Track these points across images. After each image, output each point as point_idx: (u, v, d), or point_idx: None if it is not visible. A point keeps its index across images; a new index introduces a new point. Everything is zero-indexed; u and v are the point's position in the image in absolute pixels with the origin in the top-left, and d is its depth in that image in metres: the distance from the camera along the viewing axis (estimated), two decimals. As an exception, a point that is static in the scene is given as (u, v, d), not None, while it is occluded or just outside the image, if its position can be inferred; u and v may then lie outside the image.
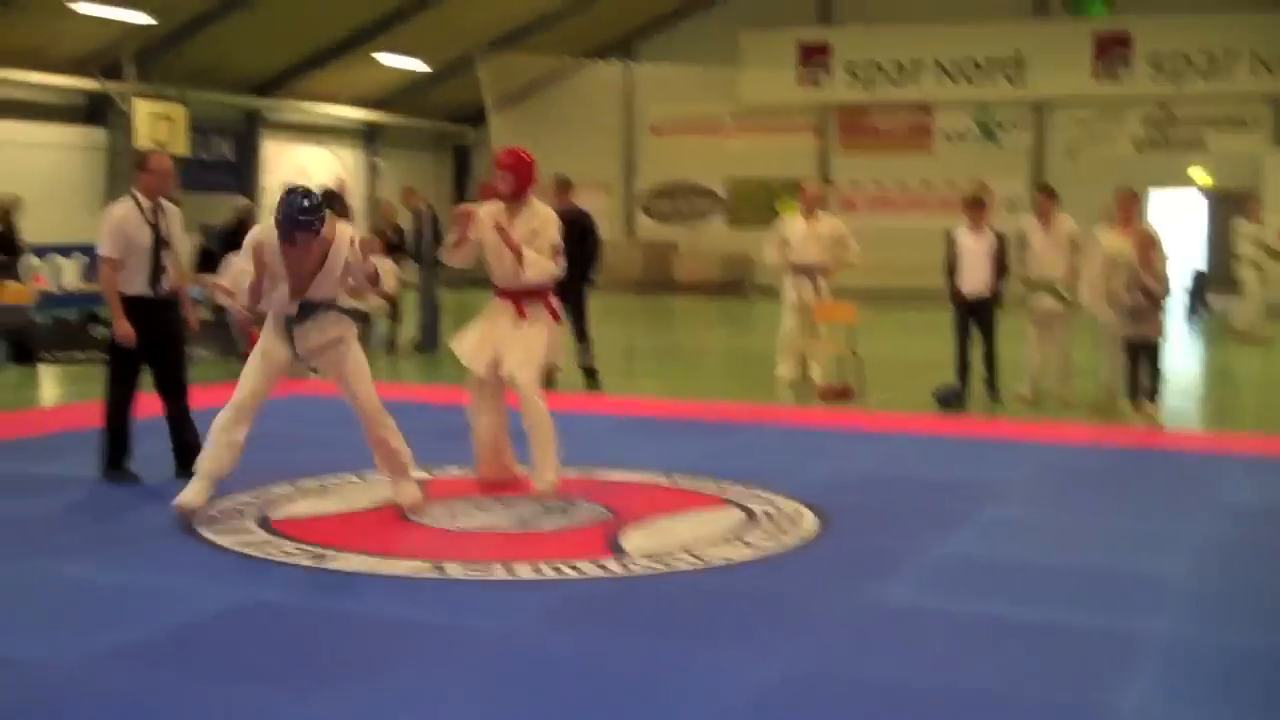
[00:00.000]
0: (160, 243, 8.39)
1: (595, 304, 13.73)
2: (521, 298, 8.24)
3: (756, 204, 29.67)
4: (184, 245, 8.79)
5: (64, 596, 6.05)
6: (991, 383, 12.45)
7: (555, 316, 8.40)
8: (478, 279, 31.64)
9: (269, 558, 6.67)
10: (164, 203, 8.52)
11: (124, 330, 8.30)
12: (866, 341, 13.22)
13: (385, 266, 16.58)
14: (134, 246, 8.30)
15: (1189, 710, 4.81)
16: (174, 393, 8.62)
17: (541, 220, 8.21)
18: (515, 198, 8.20)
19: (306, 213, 7.34)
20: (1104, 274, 11.90)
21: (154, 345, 8.45)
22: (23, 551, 6.75)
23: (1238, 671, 5.25)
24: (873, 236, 28.53)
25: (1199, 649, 5.52)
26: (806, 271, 13.40)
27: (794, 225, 13.56)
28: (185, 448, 8.49)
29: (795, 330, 13.56)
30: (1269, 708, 4.85)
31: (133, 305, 8.34)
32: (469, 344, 8.43)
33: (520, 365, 8.11)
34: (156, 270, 8.39)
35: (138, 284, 8.35)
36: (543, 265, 8.13)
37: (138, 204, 8.38)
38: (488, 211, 8.29)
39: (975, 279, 12.37)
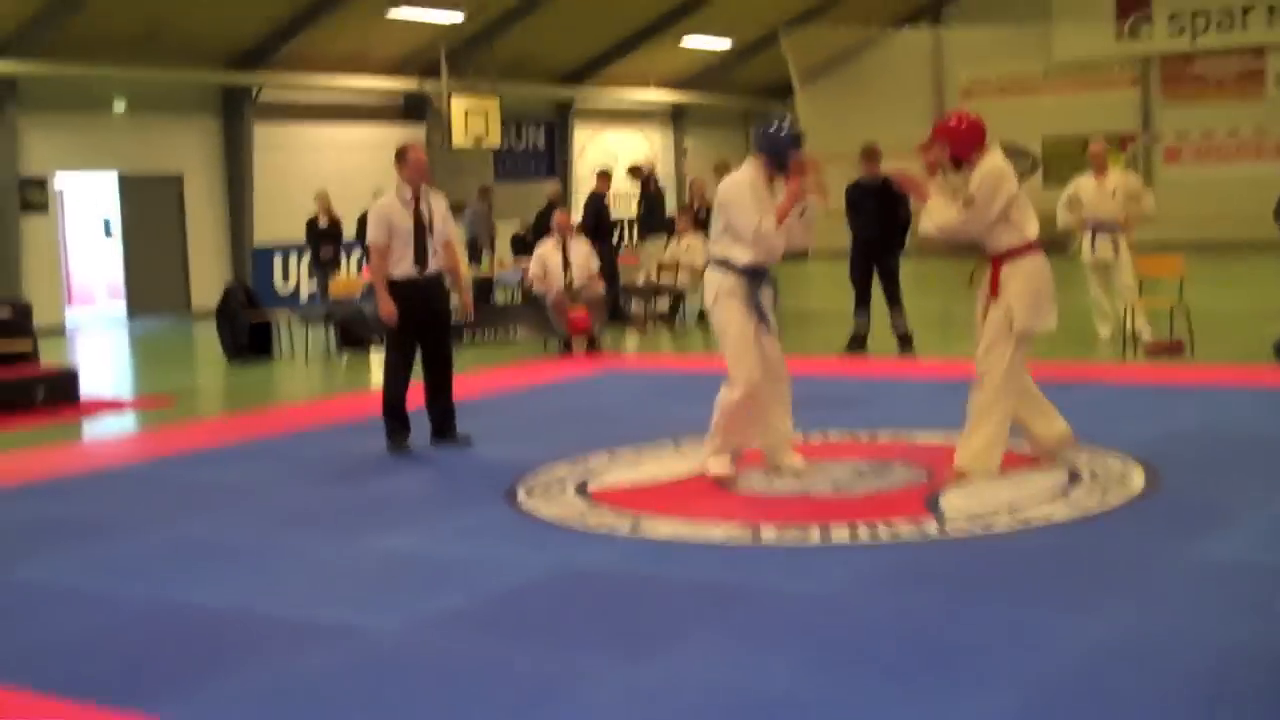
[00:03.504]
0: (422, 228, 8.84)
1: (908, 269, 13.49)
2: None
3: (1074, 162, 28.63)
4: (450, 230, 9.25)
5: (390, 568, 6.26)
6: None
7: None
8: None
9: (588, 526, 6.77)
10: (427, 190, 9.00)
11: (387, 309, 8.81)
12: (1196, 294, 12.60)
13: (695, 241, 16.75)
14: (398, 233, 8.82)
15: None
16: (438, 365, 9.06)
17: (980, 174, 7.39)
18: (957, 166, 7.50)
19: (794, 133, 7.59)
20: None
21: (422, 324, 8.91)
22: (350, 527, 7.03)
23: None
24: (1200, 188, 27.57)
25: None
26: (1103, 228, 12.95)
27: (1085, 183, 13.16)
28: (442, 416, 9.05)
29: (1099, 288, 13.16)
30: None
31: (401, 287, 8.83)
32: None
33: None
34: (421, 253, 8.84)
35: (404, 267, 8.85)
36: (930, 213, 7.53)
37: (400, 194, 8.89)
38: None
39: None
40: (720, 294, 7.59)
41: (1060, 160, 30.07)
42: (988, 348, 7.44)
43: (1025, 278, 7.42)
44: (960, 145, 7.47)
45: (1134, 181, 13.65)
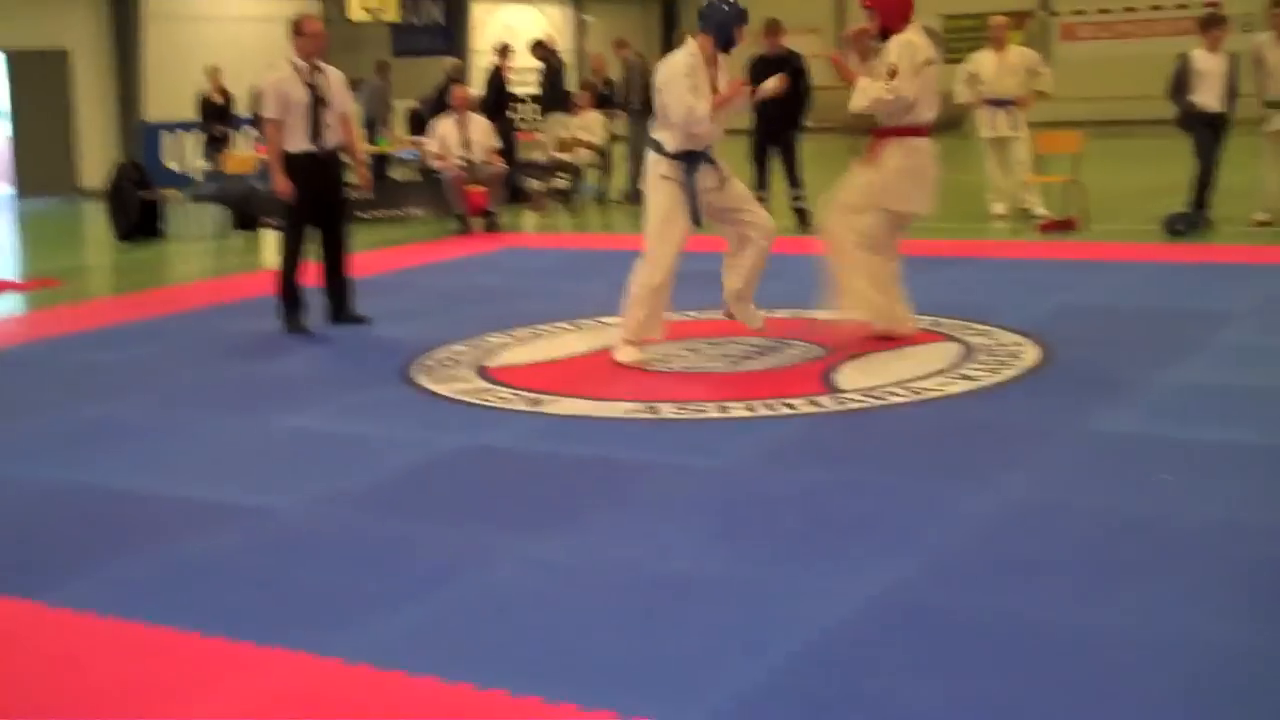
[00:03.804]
0: (318, 101, 8.69)
1: (806, 147, 13.50)
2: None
3: (973, 40, 28.68)
4: (347, 105, 9.12)
5: (291, 447, 6.23)
6: (1202, 203, 11.95)
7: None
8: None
9: (487, 404, 6.77)
10: (322, 65, 8.83)
11: (283, 185, 8.68)
12: (1091, 172, 12.74)
13: (595, 118, 16.60)
14: (292, 106, 8.65)
15: None
16: (334, 243, 8.96)
17: (889, 50, 7.55)
18: (884, 37, 7.59)
19: (740, 8, 7.49)
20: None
21: (318, 201, 8.79)
22: (249, 406, 6.96)
23: None
24: (1097, 65, 27.75)
25: None
26: (1000, 105, 13.03)
27: (984, 59, 13.21)
28: (339, 295, 9.00)
29: (995, 165, 13.28)
30: None
31: (297, 162, 8.69)
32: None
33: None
34: (317, 128, 8.69)
35: (299, 141, 8.69)
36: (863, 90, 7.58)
37: (295, 67, 8.71)
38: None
39: (1213, 98, 11.83)
40: (654, 176, 7.54)
41: (959, 36, 30.14)
42: (846, 210, 7.67)
43: (905, 157, 7.55)
44: (889, 16, 7.56)
45: (1033, 58, 13.69)
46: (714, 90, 7.43)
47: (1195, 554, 4.46)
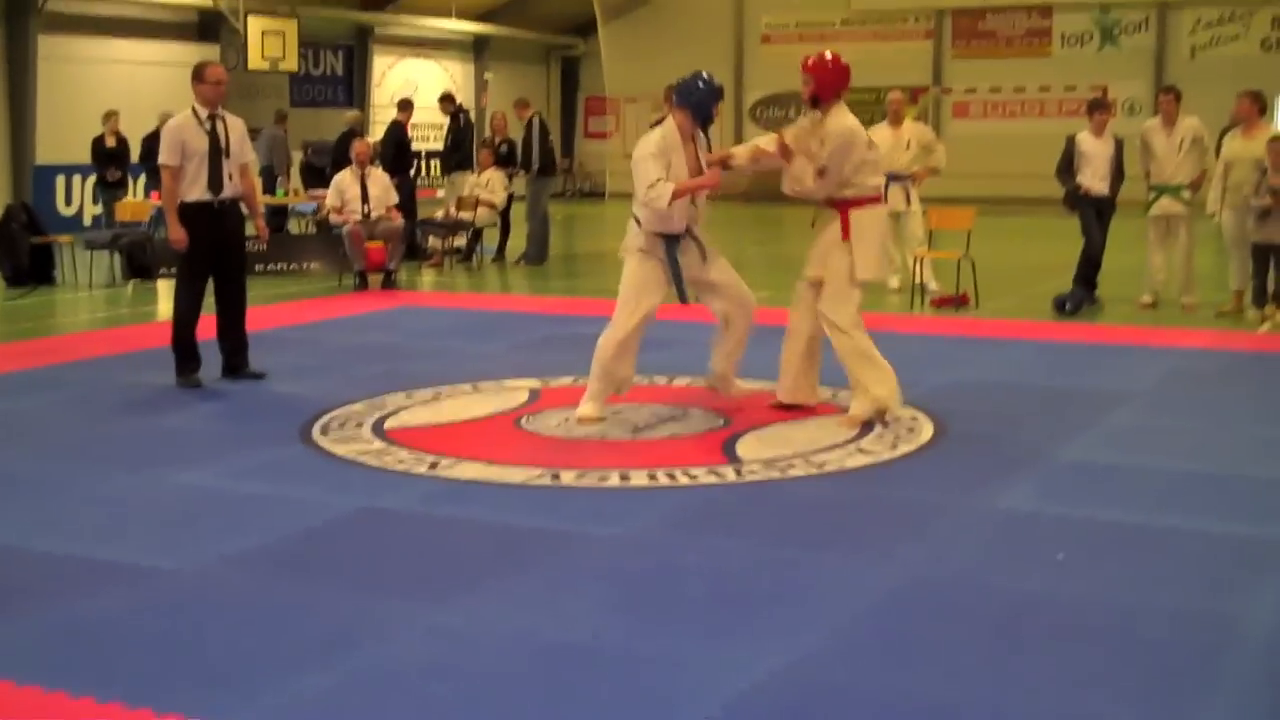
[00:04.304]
0: (218, 150, 8.59)
1: (707, 213, 13.57)
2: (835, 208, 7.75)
3: (868, 112, 29.22)
4: (247, 155, 8.98)
5: (184, 505, 6.11)
6: (1090, 282, 12.26)
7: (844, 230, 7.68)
8: (587, 191, 31.55)
9: (386, 466, 6.71)
10: (224, 113, 8.75)
11: (177, 235, 8.56)
12: (982, 248, 12.98)
13: (495, 177, 16.62)
14: (192, 154, 8.55)
15: (1324, 618, 4.68)
16: (230, 296, 8.84)
17: (830, 131, 7.59)
18: (814, 104, 7.68)
19: (717, 85, 7.70)
20: (1230, 178, 11.64)
21: (215, 251, 8.68)
22: (143, 461, 6.84)
23: (1375, 579, 5.10)
24: (988, 143, 28.35)
25: (1334, 556, 5.37)
26: (895, 179, 13.25)
27: (880, 133, 13.41)
28: (234, 349, 8.85)
29: (891, 240, 13.46)
30: None
31: (194, 211, 8.58)
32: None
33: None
34: (216, 177, 8.59)
35: (197, 190, 8.58)
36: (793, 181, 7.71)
37: (195, 114, 8.61)
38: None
39: (1097, 180, 12.15)
40: (632, 247, 7.67)
41: (855, 110, 30.60)
42: (834, 298, 7.62)
43: (870, 228, 7.66)
44: (824, 85, 7.63)
45: (927, 133, 13.98)
46: (696, 163, 7.56)
47: (1089, 634, 4.52)
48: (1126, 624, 4.63)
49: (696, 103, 7.61)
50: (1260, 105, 11.97)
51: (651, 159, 7.42)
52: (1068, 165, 12.36)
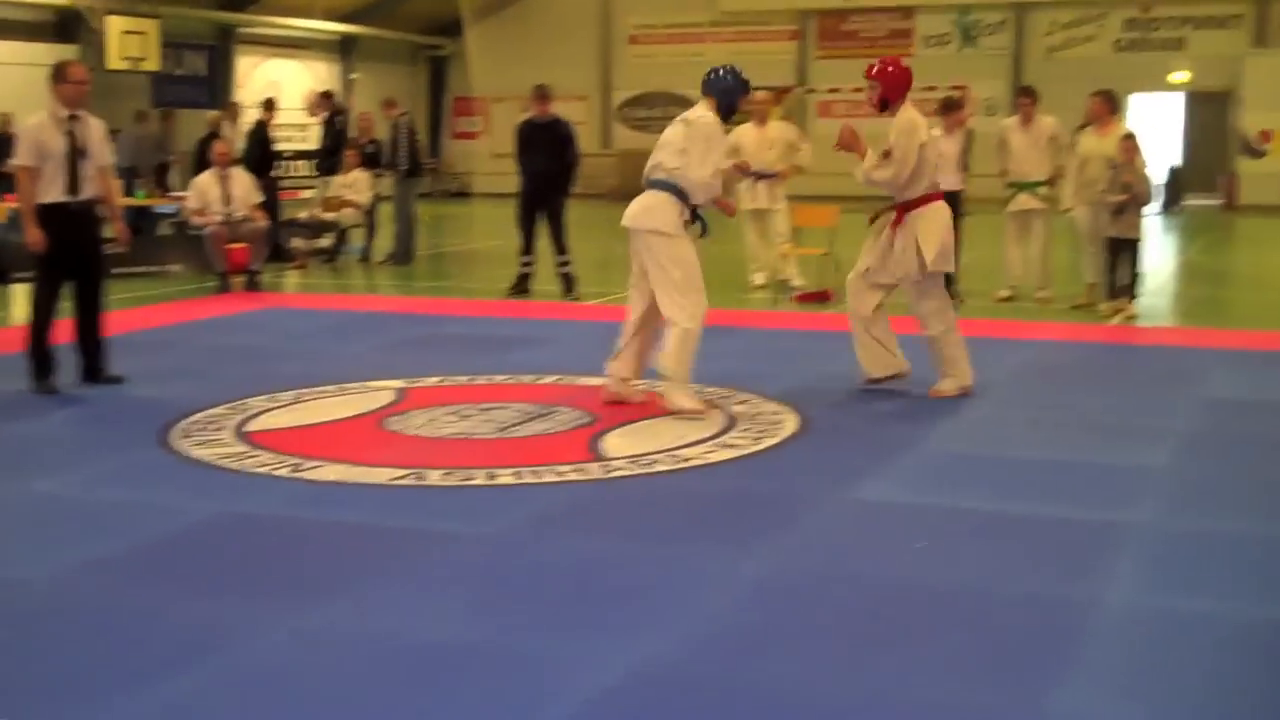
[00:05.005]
0: (77, 152, 8.40)
1: (573, 214, 13.63)
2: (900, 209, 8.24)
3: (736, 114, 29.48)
4: (106, 157, 8.75)
5: (38, 513, 5.98)
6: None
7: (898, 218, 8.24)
8: (454, 191, 31.38)
9: (247, 469, 6.62)
10: (84, 114, 8.54)
11: (34, 237, 8.36)
12: (846, 245, 13.14)
13: (362, 178, 16.48)
14: (49, 155, 8.35)
15: (1171, 598, 4.82)
16: (88, 299, 8.65)
17: (899, 126, 8.08)
18: (883, 108, 8.15)
19: (744, 79, 7.96)
20: (1084, 174, 11.93)
21: (73, 254, 8.49)
22: (-2, 467, 6.69)
23: (1217, 558, 5.26)
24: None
25: (1180, 538, 5.53)
26: (761, 178, 13.41)
27: (746, 133, 13.59)
28: (92, 354, 8.66)
29: (755, 236, 13.64)
30: (1247, 591, 4.86)
31: (51, 213, 8.38)
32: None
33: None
34: (74, 179, 8.41)
35: (55, 191, 8.39)
36: (871, 166, 8.15)
37: (53, 115, 8.42)
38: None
39: (950, 178, 12.35)
40: (670, 226, 7.75)
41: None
42: (920, 296, 8.23)
43: (933, 222, 8.14)
44: (891, 88, 8.07)
45: (792, 132, 14.14)
46: None
47: (952, 620, 4.62)
48: (985, 609, 4.73)
49: (723, 90, 7.86)
50: (1112, 104, 12.28)
51: (720, 144, 7.79)
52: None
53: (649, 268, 7.82)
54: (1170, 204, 26.14)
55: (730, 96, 7.90)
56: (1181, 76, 28.38)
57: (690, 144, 7.72)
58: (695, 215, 7.90)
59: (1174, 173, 27.07)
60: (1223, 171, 27.60)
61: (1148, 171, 11.90)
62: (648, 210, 7.83)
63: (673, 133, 7.86)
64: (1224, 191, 27.35)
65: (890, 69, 8.17)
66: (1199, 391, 8.47)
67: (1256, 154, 26.71)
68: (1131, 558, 5.26)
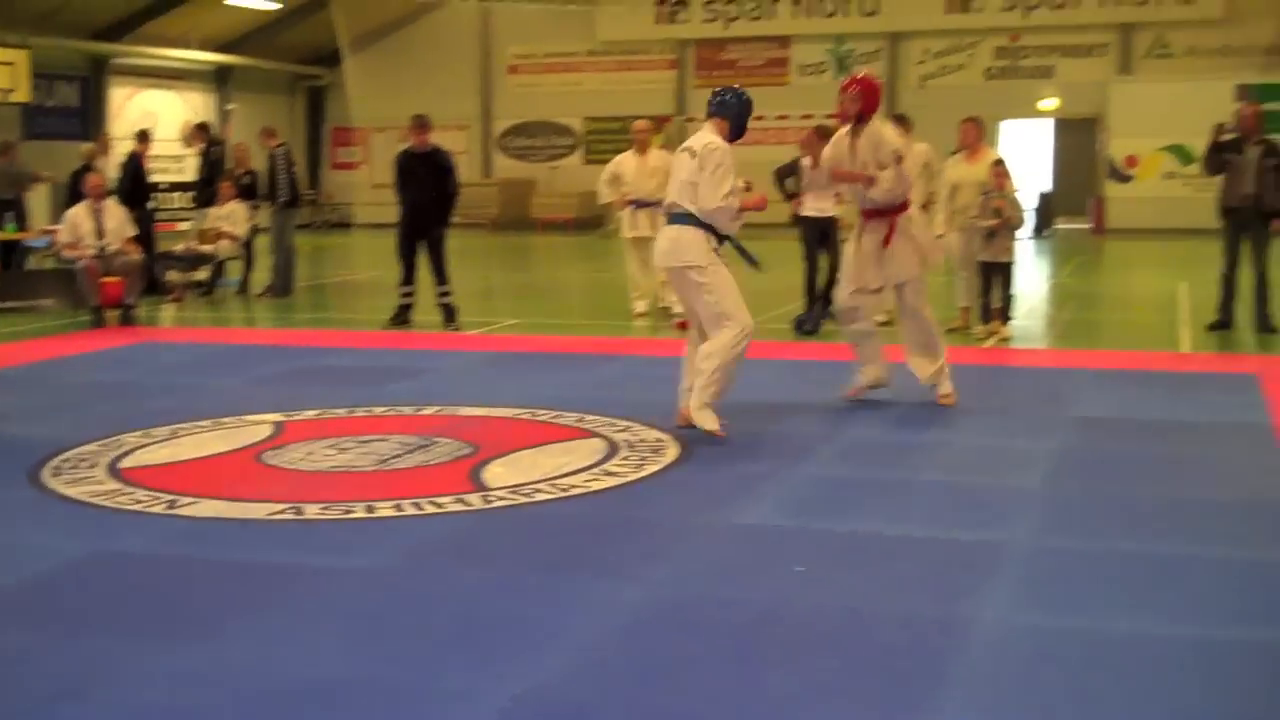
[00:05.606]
0: None
1: (453, 243, 13.60)
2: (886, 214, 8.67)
3: (614, 141, 29.66)
4: None
5: (-96, 554, 5.83)
6: (828, 299, 12.67)
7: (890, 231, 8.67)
8: (334, 222, 31.09)
9: (120, 507, 6.51)
10: None
11: None
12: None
13: (238, 209, 16.31)
14: None
15: (1043, 616, 4.91)
16: None
17: (880, 138, 8.56)
18: (858, 120, 8.55)
19: (750, 99, 8.05)
20: (956, 200, 12.15)
21: None
22: None
23: (1086, 576, 5.37)
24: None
25: (1052, 556, 5.63)
26: (642, 206, 13.50)
27: (627, 161, 13.69)
28: None
29: (637, 264, 13.71)
30: (1120, 608, 4.97)
31: None
32: (848, 266, 8.92)
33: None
34: None
35: None
36: (887, 178, 8.49)
37: None
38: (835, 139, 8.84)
39: (822, 203, 12.52)
40: (702, 259, 7.78)
41: (601, 138, 31.08)
42: (915, 290, 8.73)
43: (920, 226, 9.00)
44: (870, 101, 8.57)
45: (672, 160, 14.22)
46: None
47: (827, 643, 4.67)
48: (862, 631, 4.78)
49: (737, 114, 7.92)
50: (981, 130, 12.54)
51: (731, 168, 7.72)
52: (787, 174, 12.80)
53: (693, 303, 7.91)
54: (1041, 228, 26.74)
55: (743, 119, 7.98)
56: (1050, 103, 29.07)
57: (699, 175, 7.72)
58: (738, 247, 8.13)
59: (1044, 198, 27.70)
60: (1091, 196, 28.28)
61: (1018, 196, 12.17)
62: (677, 245, 7.87)
63: (679, 164, 7.89)
64: (1092, 215, 28.02)
65: (871, 83, 8.71)
66: (1070, 411, 8.65)
67: (1123, 179, 27.41)
68: (1004, 577, 5.35)
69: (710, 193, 7.69)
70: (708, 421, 7.72)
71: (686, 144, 7.99)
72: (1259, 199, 12.17)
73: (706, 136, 7.86)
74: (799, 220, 12.71)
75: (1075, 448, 7.66)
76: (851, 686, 4.28)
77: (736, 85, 8.33)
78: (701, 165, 7.72)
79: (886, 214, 8.64)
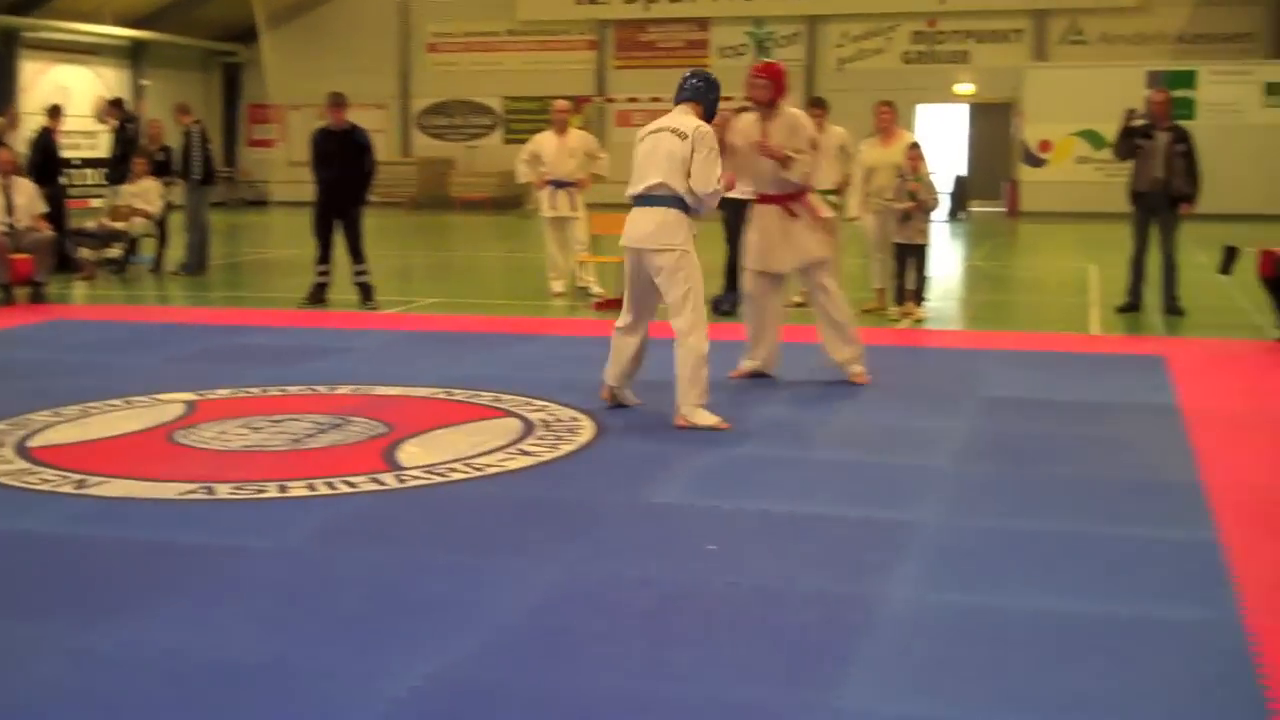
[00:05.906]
0: None
1: (371, 222, 13.52)
2: (786, 199, 8.81)
3: (533, 121, 29.57)
4: None
5: None
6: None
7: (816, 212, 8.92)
8: (250, 200, 30.84)
9: (28, 486, 6.42)
10: None
11: None
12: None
13: (152, 186, 16.10)
14: None
15: (956, 594, 4.97)
16: None
17: (796, 123, 8.74)
18: (769, 106, 8.67)
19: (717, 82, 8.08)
20: (871, 183, 12.26)
21: None
22: None
23: (998, 554, 5.45)
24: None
25: (962, 534, 5.71)
26: (561, 186, 13.51)
27: (545, 141, 13.70)
28: None
29: (555, 244, 13.72)
30: (1027, 585, 5.05)
31: None
32: (753, 250, 9.01)
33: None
34: None
35: None
36: (805, 162, 8.65)
37: None
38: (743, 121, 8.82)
39: (746, 188, 12.56)
40: (680, 242, 7.72)
41: (519, 118, 30.98)
42: (826, 270, 8.89)
43: (821, 204, 9.06)
44: (781, 88, 8.73)
45: (591, 141, 14.27)
46: None
47: (738, 621, 4.71)
48: (773, 609, 4.82)
49: (710, 98, 7.91)
50: (896, 114, 12.64)
51: (717, 149, 7.69)
52: None
53: (663, 287, 7.78)
54: (956, 211, 27.06)
55: (716, 102, 7.97)
56: (966, 88, 29.36)
57: (693, 157, 7.62)
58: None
59: (959, 181, 28.01)
60: (1005, 179, 28.61)
61: (933, 179, 12.29)
62: (662, 228, 7.73)
63: (668, 147, 7.68)
64: (1006, 199, 28.36)
65: (779, 71, 8.88)
66: (981, 392, 8.76)
67: (1037, 163, 27.76)
68: (914, 556, 5.41)
69: (706, 176, 7.63)
70: (706, 419, 7.65)
71: (666, 125, 7.77)
72: (1168, 184, 12.40)
73: (691, 120, 7.73)
74: (721, 202, 12.73)
75: (985, 428, 7.76)
76: (762, 664, 4.32)
77: (699, 69, 8.45)
78: (695, 148, 7.62)
79: (782, 199, 8.77)
